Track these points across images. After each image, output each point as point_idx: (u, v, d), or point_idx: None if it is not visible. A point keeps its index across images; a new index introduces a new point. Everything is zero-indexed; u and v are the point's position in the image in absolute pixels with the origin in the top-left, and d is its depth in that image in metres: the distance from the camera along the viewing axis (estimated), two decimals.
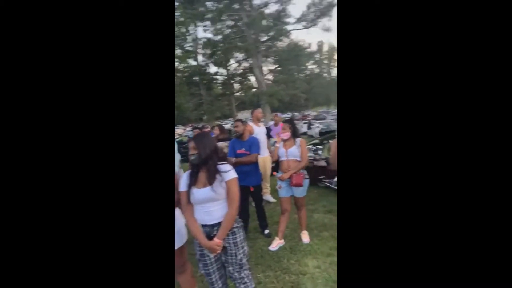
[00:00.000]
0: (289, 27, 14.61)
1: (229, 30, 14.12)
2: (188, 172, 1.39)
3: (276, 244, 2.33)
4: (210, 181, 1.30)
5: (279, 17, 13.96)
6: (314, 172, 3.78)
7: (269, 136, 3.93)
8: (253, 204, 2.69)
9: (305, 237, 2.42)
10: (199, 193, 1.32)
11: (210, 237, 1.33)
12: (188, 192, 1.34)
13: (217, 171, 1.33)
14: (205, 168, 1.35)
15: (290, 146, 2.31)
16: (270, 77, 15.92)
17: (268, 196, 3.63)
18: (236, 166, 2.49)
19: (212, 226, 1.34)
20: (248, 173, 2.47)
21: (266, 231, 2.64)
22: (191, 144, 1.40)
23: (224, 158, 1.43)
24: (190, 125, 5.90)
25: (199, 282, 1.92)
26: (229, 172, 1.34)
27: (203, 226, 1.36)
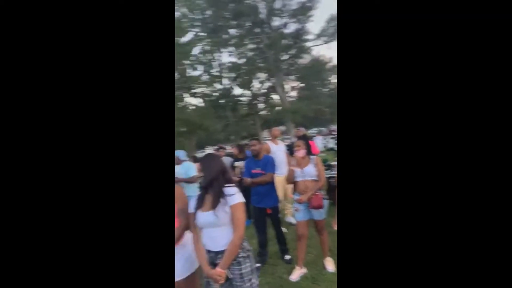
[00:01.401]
0: (309, 44, 14.79)
1: (252, 53, 14.74)
2: (197, 194, 1.37)
3: (297, 274, 2.13)
4: (213, 204, 1.25)
5: (298, 36, 14.26)
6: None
7: (292, 152, 3.81)
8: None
9: (329, 264, 2.19)
10: (202, 216, 1.27)
11: (214, 265, 1.26)
12: (194, 215, 1.31)
13: (222, 195, 1.28)
14: (211, 190, 1.31)
15: (305, 165, 2.19)
16: (294, 94, 15.99)
17: (290, 218, 3.45)
18: (252, 186, 2.43)
19: (216, 253, 1.27)
20: (264, 194, 2.38)
21: (287, 257, 2.46)
22: (199, 166, 1.40)
23: (231, 181, 1.39)
24: (218, 145, 6.06)
25: None
26: (233, 196, 1.28)
27: (208, 252, 1.29)
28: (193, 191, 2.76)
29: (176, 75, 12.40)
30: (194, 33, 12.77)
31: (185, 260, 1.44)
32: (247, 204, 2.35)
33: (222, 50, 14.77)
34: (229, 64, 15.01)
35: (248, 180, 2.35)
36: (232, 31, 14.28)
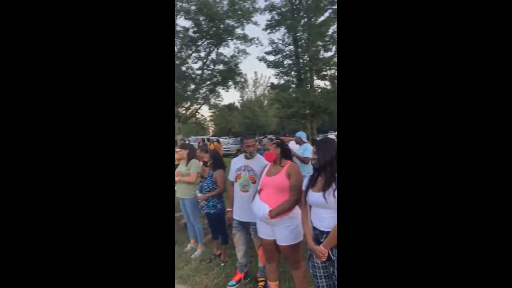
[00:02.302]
0: None
1: None
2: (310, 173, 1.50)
3: None
4: (324, 187, 1.33)
5: None
6: None
7: None
8: None
9: None
10: (312, 196, 1.38)
11: (318, 241, 1.36)
12: (306, 193, 1.45)
13: (333, 179, 1.32)
14: (323, 173, 1.39)
15: None
16: None
17: None
18: None
19: (321, 232, 1.35)
20: None
21: None
22: (313, 149, 1.50)
23: None
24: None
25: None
26: None
27: (314, 228, 1.41)
28: (308, 171, 2.91)
29: (305, 57, 12.48)
30: (331, 10, 12.05)
31: (291, 230, 1.63)
32: None
33: None
34: None
35: None
36: None
